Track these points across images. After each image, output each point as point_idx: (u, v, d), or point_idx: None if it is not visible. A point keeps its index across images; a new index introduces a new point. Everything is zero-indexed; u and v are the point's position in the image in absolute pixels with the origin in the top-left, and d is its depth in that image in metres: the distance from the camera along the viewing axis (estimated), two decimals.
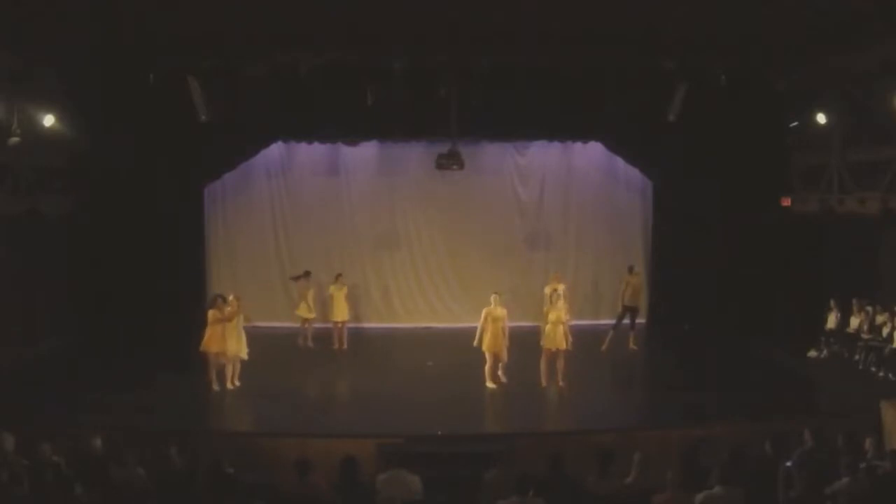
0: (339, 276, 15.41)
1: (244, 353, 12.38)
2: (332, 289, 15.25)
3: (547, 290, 14.30)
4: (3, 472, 7.35)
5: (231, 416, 11.71)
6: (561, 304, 12.67)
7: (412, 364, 14.09)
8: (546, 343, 12.40)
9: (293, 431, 10.49)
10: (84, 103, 13.83)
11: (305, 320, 15.37)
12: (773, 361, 14.22)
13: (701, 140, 15.22)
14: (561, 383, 12.36)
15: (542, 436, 10.58)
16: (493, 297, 12.50)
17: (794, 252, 15.65)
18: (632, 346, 15.11)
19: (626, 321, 15.22)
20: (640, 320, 15.87)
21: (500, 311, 12.34)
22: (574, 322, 14.06)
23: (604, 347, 14.81)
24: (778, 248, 15.82)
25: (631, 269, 15.61)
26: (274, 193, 17.25)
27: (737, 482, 6.99)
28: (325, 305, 15.69)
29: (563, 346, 12.30)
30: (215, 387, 12.12)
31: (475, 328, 12.51)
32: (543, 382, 12.40)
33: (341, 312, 15.14)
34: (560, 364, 12.38)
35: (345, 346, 15.19)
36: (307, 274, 15.51)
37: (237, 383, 12.29)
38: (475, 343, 12.45)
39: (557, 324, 12.33)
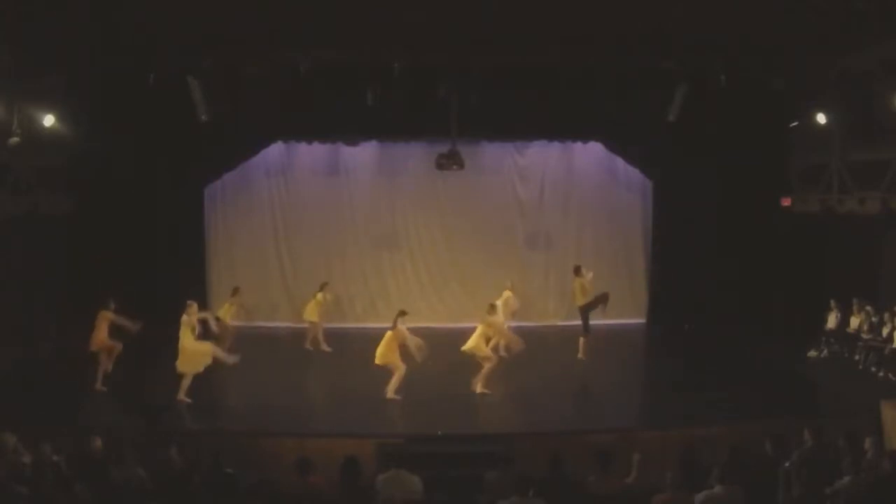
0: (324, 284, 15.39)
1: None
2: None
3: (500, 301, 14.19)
4: (3, 472, 7.35)
5: (231, 416, 11.71)
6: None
7: (412, 364, 14.07)
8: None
9: (293, 431, 10.50)
10: (84, 103, 13.81)
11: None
12: (773, 361, 14.21)
13: (701, 140, 15.21)
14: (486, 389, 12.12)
15: (542, 436, 10.55)
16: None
17: (794, 252, 15.65)
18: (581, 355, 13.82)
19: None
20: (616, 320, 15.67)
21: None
22: (574, 322, 14.11)
23: (580, 355, 13.75)
24: (778, 247, 15.82)
25: (578, 270, 13.92)
26: (274, 193, 17.23)
27: (737, 482, 7.00)
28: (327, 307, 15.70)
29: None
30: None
31: (475, 328, 12.51)
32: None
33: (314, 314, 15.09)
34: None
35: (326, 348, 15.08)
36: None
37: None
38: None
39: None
